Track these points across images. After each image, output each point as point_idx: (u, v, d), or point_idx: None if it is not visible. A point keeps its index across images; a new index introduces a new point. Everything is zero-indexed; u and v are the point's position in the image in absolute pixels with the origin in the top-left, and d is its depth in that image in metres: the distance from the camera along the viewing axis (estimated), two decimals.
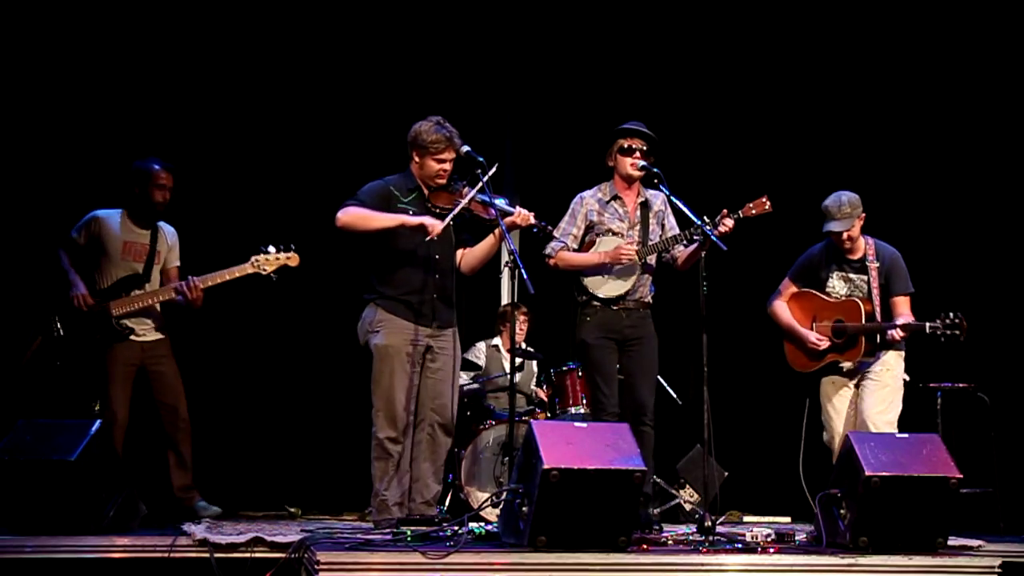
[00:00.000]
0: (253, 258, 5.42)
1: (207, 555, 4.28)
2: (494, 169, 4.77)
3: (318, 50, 7.22)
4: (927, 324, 5.19)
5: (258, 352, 6.87)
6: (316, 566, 3.74)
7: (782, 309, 5.58)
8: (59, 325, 5.40)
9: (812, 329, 5.45)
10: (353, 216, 4.78)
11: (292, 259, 5.46)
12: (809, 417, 5.55)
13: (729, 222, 4.93)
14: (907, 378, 5.44)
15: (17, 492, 4.37)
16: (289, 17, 7.15)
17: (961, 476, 4.23)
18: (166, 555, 4.29)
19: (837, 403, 5.45)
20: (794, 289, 5.59)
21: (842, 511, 4.29)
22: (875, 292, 5.35)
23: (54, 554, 4.20)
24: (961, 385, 6.27)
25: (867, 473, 4.14)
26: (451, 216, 4.75)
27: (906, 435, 4.42)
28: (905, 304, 5.36)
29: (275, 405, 6.85)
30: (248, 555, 4.30)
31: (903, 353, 5.42)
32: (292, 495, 6.39)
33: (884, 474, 4.15)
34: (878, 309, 5.32)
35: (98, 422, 4.57)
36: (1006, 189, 7.05)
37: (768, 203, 5.03)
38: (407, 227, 4.74)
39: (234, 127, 7.05)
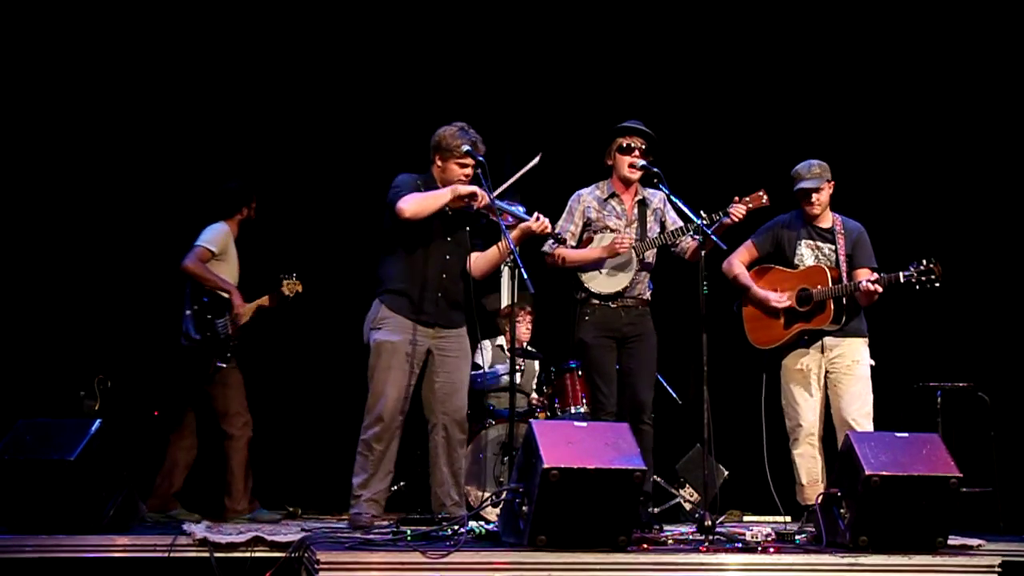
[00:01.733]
0: (285, 282, 5.74)
1: (207, 555, 4.28)
2: (536, 160, 4.78)
3: (320, 58, 7.26)
4: (901, 274, 5.12)
5: (257, 352, 6.87)
6: (316, 565, 3.74)
7: (741, 268, 5.49)
8: (220, 329, 5.64)
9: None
10: (417, 203, 4.73)
11: (299, 286, 5.83)
12: (767, 398, 5.47)
13: (743, 208, 4.92)
14: (873, 363, 5.40)
15: (17, 492, 4.37)
16: (290, 25, 7.19)
17: (961, 475, 4.22)
18: (166, 555, 4.29)
19: (804, 390, 5.35)
20: (754, 253, 5.51)
21: (842, 511, 4.29)
22: (842, 260, 5.32)
23: (54, 554, 4.19)
24: (961, 385, 6.26)
25: (867, 472, 4.14)
26: (495, 195, 4.76)
27: (906, 435, 4.41)
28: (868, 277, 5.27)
29: (275, 405, 6.84)
30: (248, 554, 4.30)
31: (867, 339, 5.38)
32: (292, 495, 6.40)
33: (884, 473, 4.15)
34: (845, 276, 5.28)
35: (98, 422, 4.57)
36: (1006, 189, 7.05)
37: (765, 196, 5.02)
38: (461, 195, 4.73)
39: (238, 127, 7.08)
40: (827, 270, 5.29)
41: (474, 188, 4.75)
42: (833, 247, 5.36)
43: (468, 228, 4.91)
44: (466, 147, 4.83)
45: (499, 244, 4.89)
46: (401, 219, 4.71)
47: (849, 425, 5.19)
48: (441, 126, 4.94)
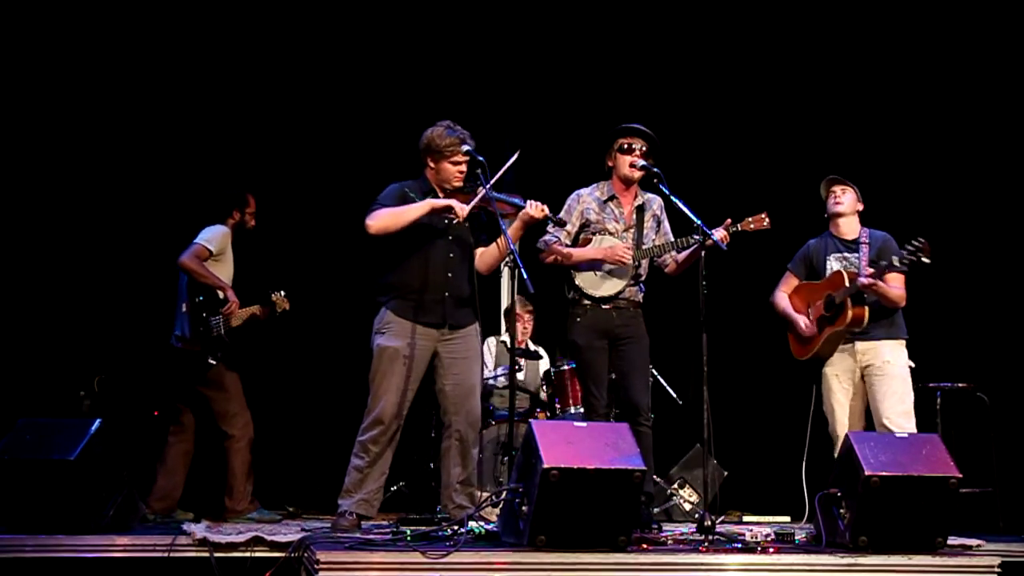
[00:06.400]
0: (274, 297, 5.83)
1: (207, 554, 4.28)
2: (515, 157, 4.77)
3: (321, 63, 7.29)
4: (893, 258, 5.21)
5: (257, 352, 6.88)
6: (316, 565, 3.74)
7: (781, 298, 5.67)
8: (214, 326, 5.64)
9: (808, 315, 5.50)
10: (384, 218, 4.75)
11: (287, 304, 5.90)
12: (815, 407, 5.55)
13: (721, 232, 4.93)
14: (912, 364, 5.42)
15: (17, 492, 4.37)
16: (288, 25, 7.21)
17: (961, 476, 4.22)
18: (166, 555, 4.29)
19: (840, 395, 5.43)
20: (794, 280, 5.65)
21: (842, 511, 4.29)
22: (864, 265, 5.34)
23: (54, 554, 4.19)
24: (961, 385, 6.27)
25: (867, 473, 4.14)
26: (474, 203, 4.75)
27: (906, 435, 4.42)
28: (898, 280, 5.35)
29: (275, 405, 6.85)
30: (248, 554, 4.30)
31: (904, 341, 5.41)
32: (292, 495, 6.40)
33: (884, 474, 4.15)
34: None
35: (98, 421, 4.57)
36: (1006, 190, 7.06)
37: (767, 220, 5.09)
38: (436, 209, 4.74)
39: (237, 129, 7.10)
40: (845, 274, 5.34)
41: (450, 201, 4.74)
42: (858, 255, 5.41)
43: (468, 224, 4.88)
44: (466, 147, 4.83)
45: (499, 239, 4.87)
46: (369, 235, 4.74)
47: (885, 425, 5.23)
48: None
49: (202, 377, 5.64)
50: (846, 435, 4.44)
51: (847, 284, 5.30)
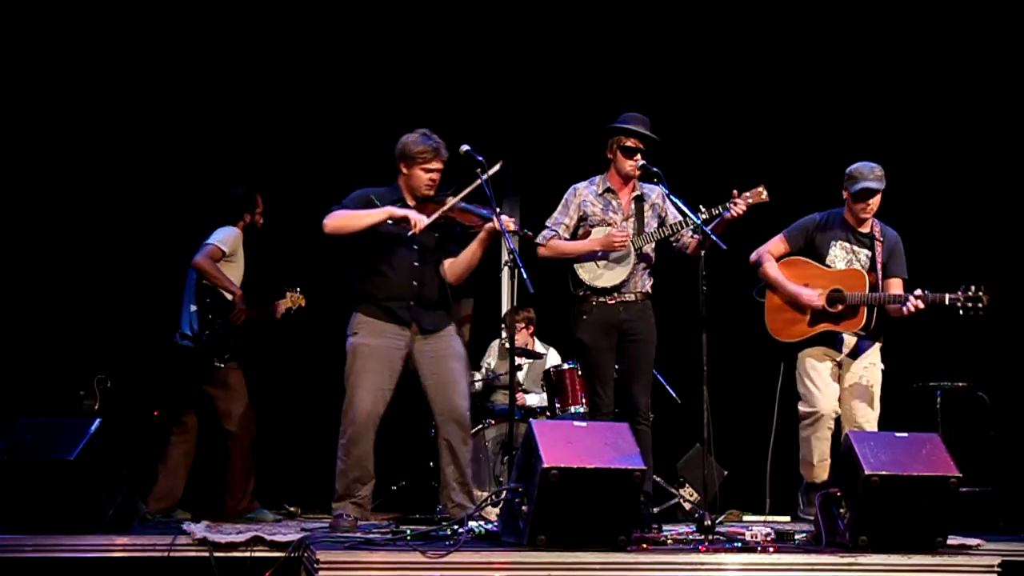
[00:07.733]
0: (289, 294, 5.89)
1: (207, 554, 4.27)
2: (495, 169, 4.74)
3: (323, 60, 7.30)
4: (947, 295, 5.09)
5: (257, 351, 6.88)
6: (316, 565, 3.74)
7: (771, 265, 5.46)
8: (220, 329, 5.65)
9: None
10: (340, 219, 4.78)
11: (303, 300, 5.98)
12: (782, 392, 5.49)
13: (742, 205, 4.89)
14: (883, 367, 5.42)
15: (17, 491, 4.36)
16: (296, 27, 7.23)
17: (961, 475, 4.22)
18: (166, 554, 4.28)
19: (818, 380, 5.36)
20: (784, 247, 5.48)
21: (841, 510, 4.29)
22: (879, 266, 5.29)
23: (54, 554, 4.18)
24: (960, 384, 6.27)
25: (867, 472, 4.14)
26: (434, 216, 4.75)
27: (906, 434, 4.41)
28: (899, 287, 5.32)
29: (275, 405, 6.86)
30: (248, 554, 4.29)
31: (881, 344, 5.40)
32: (292, 495, 6.40)
33: (884, 473, 4.14)
34: (881, 283, 5.27)
35: (98, 421, 4.56)
36: (1005, 189, 7.05)
37: (765, 192, 5.00)
38: (394, 218, 4.74)
39: (239, 130, 7.11)
40: (865, 275, 5.27)
41: (407, 212, 4.74)
42: (870, 253, 5.33)
43: (438, 233, 4.87)
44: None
45: (469, 247, 4.85)
46: (324, 233, 4.75)
47: (860, 426, 5.22)
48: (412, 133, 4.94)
49: (209, 377, 5.64)
50: (846, 435, 4.44)
51: (867, 289, 5.21)
